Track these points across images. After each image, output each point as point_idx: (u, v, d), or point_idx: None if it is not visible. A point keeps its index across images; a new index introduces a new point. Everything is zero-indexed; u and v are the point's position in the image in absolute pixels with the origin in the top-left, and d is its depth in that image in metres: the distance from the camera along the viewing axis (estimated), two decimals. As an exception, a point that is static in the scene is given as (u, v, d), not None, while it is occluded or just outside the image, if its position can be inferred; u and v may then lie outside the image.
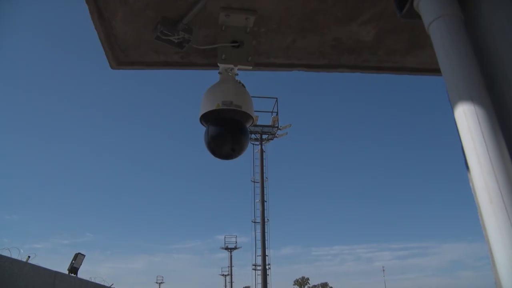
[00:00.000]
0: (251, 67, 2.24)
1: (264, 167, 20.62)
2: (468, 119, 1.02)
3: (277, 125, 21.91)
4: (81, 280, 7.81)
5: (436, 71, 2.63)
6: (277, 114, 21.83)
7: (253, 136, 21.72)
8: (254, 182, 21.08)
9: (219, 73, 2.36)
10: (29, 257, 5.94)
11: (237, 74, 2.37)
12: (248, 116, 2.32)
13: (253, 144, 21.95)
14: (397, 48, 2.36)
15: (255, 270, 21.63)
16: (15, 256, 5.37)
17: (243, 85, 2.40)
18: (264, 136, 21.82)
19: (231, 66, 2.27)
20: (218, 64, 2.24)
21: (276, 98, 22.62)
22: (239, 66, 2.26)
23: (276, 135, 22.12)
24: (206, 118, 2.28)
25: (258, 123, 21.88)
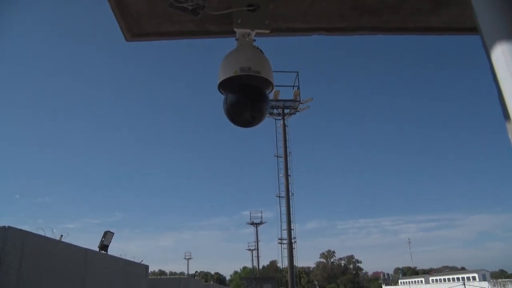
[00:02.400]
0: (268, 31, 2.16)
1: (287, 142, 20.60)
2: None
3: (298, 99, 21.75)
4: (111, 256, 8.01)
5: (463, 30, 2.51)
6: (298, 88, 21.67)
7: (275, 111, 21.63)
8: (277, 157, 21.11)
9: (236, 39, 2.28)
10: (61, 236, 6.10)
11: (254, 40, 2.28)
12: (267, 82, 2.23)
13: (275, 119, 21.90)
14: (421, 7, 2.24)
15: (281, 244, 21.84)
16: (48, 235, 5.53)
17: (261, 50, 2.31)
18: (286, 111, 21.68)
19: (248, 31, 2.18)
20: (234, 30, 2.16)
21: (297, 72, 22.47)
22: (256, 31, 2.17)
23: (298, 109, 21.97)
24: (224, 85, 2.22)
25: (280, 97, 21.77)
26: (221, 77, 2.19)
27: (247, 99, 2.24)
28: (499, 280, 68.47)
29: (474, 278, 75.54)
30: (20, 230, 4.62)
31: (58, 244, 5.58)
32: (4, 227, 4.38)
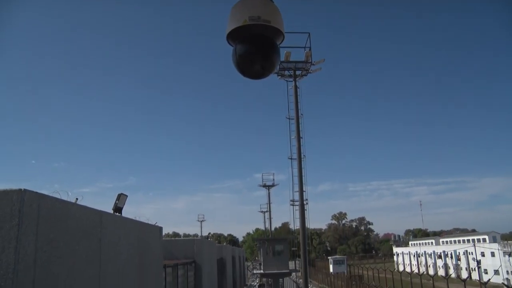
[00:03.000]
0: None
1: (298, 104, 20.47)
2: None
3: (310, 61, 21.44)
4: (126, 218, 8.18)
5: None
6: (310, 49, 21.31)
7: (286, 72, 21.39)
8: (289, 119, 21.03)
9: None
10: (76, 199, 6.21)
11: None
12: (278, 32, 2.13)
13: (286, 81, 21.68)
14: None
15: (293, 205, 22.08)
16: (64, 199, 5.63)
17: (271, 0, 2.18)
18: (298, 72, 21.42)
19: None
20: None
21: (309, 33, 22.06)
22: None
23: (309, 70, 21.70)
24: (233, 36, 2.14)
25: (291, 59, 21.48)
26: (229, 27, 2.10)
27: (257, 50, 2.15)
28: (509, 242, 68.81)
29: (484, 240, 76.05)
30: (36, 192, 4.71)
31: (73, 206, 5.70)
32: (20, 189, 4.48)
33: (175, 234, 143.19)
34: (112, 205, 8.61)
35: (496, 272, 62.95)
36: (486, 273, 62.66)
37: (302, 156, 18.52)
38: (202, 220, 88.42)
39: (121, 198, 8.66)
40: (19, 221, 4.38)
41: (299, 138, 18.69)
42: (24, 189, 4.50)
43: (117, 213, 8.43)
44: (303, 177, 18.29)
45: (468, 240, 79.82)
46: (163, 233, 12.21)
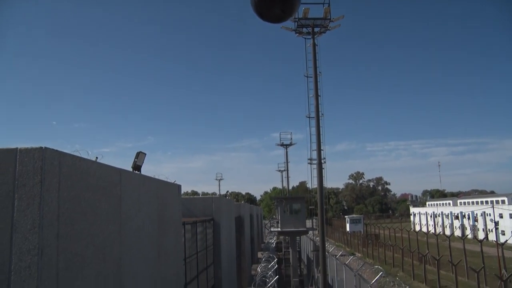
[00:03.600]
0: None
1: (317, 62, 20.11)
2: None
3: (329, 17, 20.85)
4: (145, 176, 8.32)
5: None
6: (329, 5, 20.68)
7: (304, 30, 20.90)
8: (307, 77, 20.74)
9: None
10: (96, 158, 6.31)
11: None
12: None
13: (305, 38, 21.22)
14: None
15: (310, 164, 22.12)
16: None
17: None
18: (316, 29, 20.91)
19: None
20: None
21: (328, -12, 21.32)
22: None
23: (328, 27, 21.15)
24: None
25: (309, 15, 20.91)
26: None
27: None
28: (529, 203, 68.24)
29: (503, 201, 75.58)
30: (57, 150, 4.80)
31: (93, 164, 5.80)
32: (41, 147, 4.57)
33: (194, 193, 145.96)
34: (131, 165, 8.74)
35: (514, 233, 62.88)
36: (504, 234, 62.65)
37: (320, 115, 18.38)
38: (220, 179, 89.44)
39: (140, 156, 8.77)
40: (42, 178, 4.49)
41: (317, 96, 18.48)
42: (45, 147, 4.59)
43: (136, 171, 8.57)
44: (321, 136, 18.22)
45: (486, 202, 79.42)
46: (182, 192, 12.42)
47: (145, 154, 8.87)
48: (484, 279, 31.45)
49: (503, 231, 63.97)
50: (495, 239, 43.81)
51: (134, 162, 8.64)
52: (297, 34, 20.87)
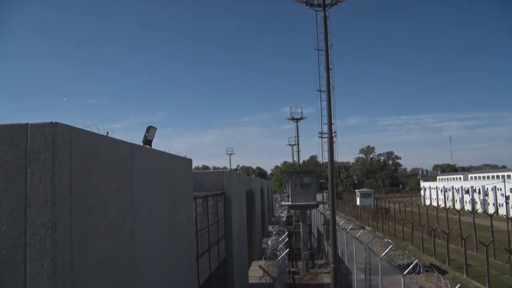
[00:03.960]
0: None
1: (328, 34, 19.75)
2: None
3: (341, -12, 20.35)
4: (156, 150, 8.34)
5: None
6: (341, -24, 20.15)
7: (315, 1, 20.46)
8: (318, 50, 20.44)
9: None
10: (107, 133, 6.32)
11: None
12: None
13: (315, 10, 20.78)
14: None
15: (321, 138, 22.07)
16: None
17: None
18: (327, 1, 20.47)
19: None
20: None
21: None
22: None
23: (340, -1, 20.66)
24: None
25: (321, -13, 20.42)
26: None
27: None
28: (541, 178, 67.69)
29: (515, 176, 74.98)
30: (67, 125, 4.82)
31: (104, 139, 5.82)
32: (52, 122, 4.58)
33: (205, 167, 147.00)
34: (142, 139, 8.75)
35: (525, 207, 62.64)
36: (514, 208, 62.42)
37: (331, 88, 18.19)
38: (231, 154, 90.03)
39: (150, 130, 8.78)
40: (53, 153, 4.52)
41: (328, 69, 18.24)
42: (56, 122, 4.60)
43: (147, 146, 8.59)
44: (332, 109, 18.04)
45: (498, 176, 78.88)
46: (193, 167, 12.47)
47: (156, 128, 8.88)
48: (493, 252, 31.55)
49: (514, 205, 63.69)
50: (505, 214, 43.68)
51: (145, 137, 8.66)
52: (308, 6, 20.44)
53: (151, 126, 8.78)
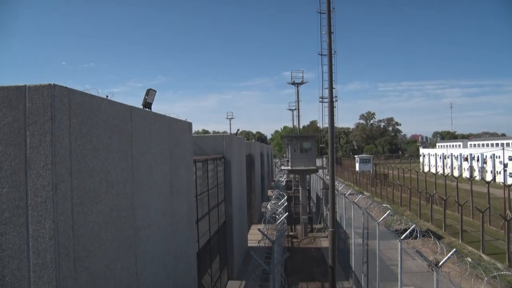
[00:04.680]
0: None
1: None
2: None
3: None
4: (156, 113, 8.29)
5: None
6: None
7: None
8: (320, 13, 19.98)
9: None
10: (107, 96, 6.25)
11: None
12: None
13: (319, -28, 20.18)
14: None
15: (321, 102, 21.95)
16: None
17: None
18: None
19: None
20: None
21: None
22: None
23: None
24: None
25: None
26: None
27: None
28: (540, 146, 67.86)
29: (514, 144, 75.14)
30: (66, 87, 4.75)
31: (103, 101, 5.76)
32: (50, 84, 4.51)
33: (205, 132, 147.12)
34: (141, 102, 8.67)
35: (522, 175, 63.13)
36: (511, 176, 62.94)
37: (332, 52, 17.87)
38: (231, 118, 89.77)
39: (150, 93, 8.70)
40: (52, 115, 4.47)
41: (330, 33, 17.87)
42: (54, 84, 4.53)
43: (147, 109, 8.53)
44: (333, 74, 17.80)
45: (497, 144, 79.07)
46: (193, 131, 12.44)
47: (155, 91, 8.79)
48: (489, 219, 32.01)
49: (511, 173, 64.16)
50: (503, 181, 44.04)
51: (145, 100, 8.58)
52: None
53: (150, 89, 8.69)
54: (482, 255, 24.39)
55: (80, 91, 5.14)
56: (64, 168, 4.68)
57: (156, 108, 8.82)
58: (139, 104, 8.17)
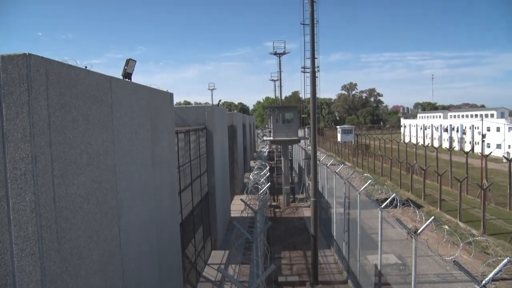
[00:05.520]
0: None
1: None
2: None
3: None
4: (136, 84, 8.15)
5: None
6: None
7: None
8: (303, -18, 19.68)
9: None
10: (85, 67, 6.11)
11: None
12: None
13: None
14: None
15: (304, 72, 21.88)
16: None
17: None
18: None
19: None
20: None
21: None
22: None
23: None
24: None
25: None
26: None
27: None
28: (517, 117, 69.32)
29: (492, 115, 76.63)
30: (42, 57, 4.61)
31: (81, 72, 5.62)
32: (25, 54, 4.37)
33: (187, 103, 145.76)
34: (121, 73, 8.50)
35: (498, 146, 64.63)
36: (489, 147, 64.37)
37: (315, 22, 17.68)
38: (213, 89, 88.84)
39: (130, 63, 8.52)
40: (28, 86, 4.35)
41: (312, 1, 17.68)
42: (29, 54, 4.39)
43: (127, 79, 8.37)
44: (316, 44, 17.67)
45: (476, 115, 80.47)
46: (175, 102, 12.31)
47: (135, 61, 8.61)
48: (466, 188, 32.87)
49: (489, 144, 65.64)
50: (481, 152, 45.05)
51: (124, 70, 8.41)
52: None
53: (130, 59, 8.51)
54: (459, 222, 25.15)
55: (57, 61, 5.00)
56: (43, 140, 4.59)
57: (136, 79, 8.67)
58: (119, 75, 8.01)
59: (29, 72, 4.35)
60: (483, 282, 6.48)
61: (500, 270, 6.53)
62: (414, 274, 9.68)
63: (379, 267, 12.44)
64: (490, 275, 6.51)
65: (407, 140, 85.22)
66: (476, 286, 6.56)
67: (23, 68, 4.34)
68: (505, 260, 6.51)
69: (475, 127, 71.91)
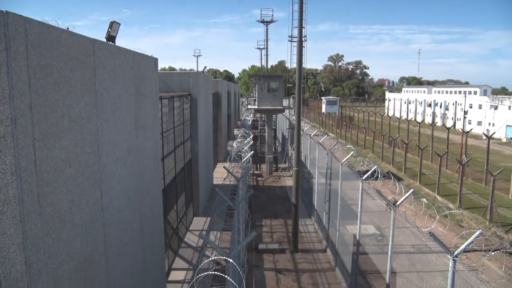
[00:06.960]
0: None
1: None
2: None
3: None
4: (120, 47, 7.96)
5: None
6: None
7: None
8: None
9: None
10: (67, 28, 5.91)
11: None
12: None
13: None
14: None
15: (291, 42, 21.69)
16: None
17: None
18: None
19: None
20: None
21: None
22: None
23: None
24: None
25: None
26: None
27: None
28: (498, 96, 70.31)
29: (475, 92, 77.44)
30: (20, 15, 4.43)
31: (63, 33, 5.45)
32: (2, 11, 4.18)
33: (172, 69, 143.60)
34: (105, 35, 8.28)
35: (479, 123, 65.72)
36: (470, 123, 65.38)
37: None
38: (199, 55, 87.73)
39: (113, 26, 8.29)
40: (7, 45, 4.20)
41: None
42: (6, 11, 4.21)
43: (110, 42, 8.17)
44: (304, 13, 17.43)
45: (460, 92, 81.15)
46: (160, 68, 12.10)
47: (119, 24, 8.38)
48: (446, 163, 33.54)
49: (470, 120, 66.64)
50: (462, 128, 45.80)
51: (108, 33, 8.19)
52: None
53: (114, 21, 8.28)
54: (437, 196, 25.78)
55: (37, 21, 4.82)
56: (23, 102, 4.48)
57: (120, 43, 8.45)
58: (102, 38, 7.80)
59: (6, 30, 4.19)
60: (456, 253, 6.72)
61: (472, 242, 6.77)
62: (391, 244, 9.95)
63: (357, 237, 12.73)
64: (462, 247, 6.76)
65: (391, 113, 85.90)
66: (449, 256, 6.80)
67: (0, 26, 4.17)
68: (477, 233, 6.75)
69: (458, 104, 72.78)
